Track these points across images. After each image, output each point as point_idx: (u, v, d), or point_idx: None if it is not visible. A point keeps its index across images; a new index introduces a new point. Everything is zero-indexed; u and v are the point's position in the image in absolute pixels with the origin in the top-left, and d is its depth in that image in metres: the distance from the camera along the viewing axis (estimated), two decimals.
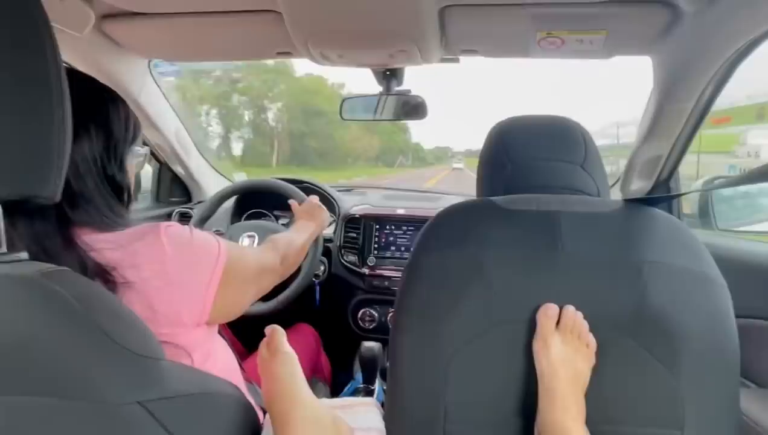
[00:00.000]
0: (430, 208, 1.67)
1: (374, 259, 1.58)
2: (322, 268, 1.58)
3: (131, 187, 0.71)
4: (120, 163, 0.67)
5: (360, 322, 1.63)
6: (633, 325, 0.66)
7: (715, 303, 0.67)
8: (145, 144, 1.50)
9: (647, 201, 0.79)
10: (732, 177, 0.74)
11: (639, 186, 1.29)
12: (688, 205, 1.34)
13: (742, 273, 0.93)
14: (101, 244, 0.58)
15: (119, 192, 0.67)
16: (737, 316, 0.68)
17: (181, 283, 0.60)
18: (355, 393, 1.32)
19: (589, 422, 0.63)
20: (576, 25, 0.88)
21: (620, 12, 0.83)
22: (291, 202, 1.21)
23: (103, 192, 0.64)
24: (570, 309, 0.66)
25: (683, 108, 1.01)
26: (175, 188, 1.80)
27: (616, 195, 1.38)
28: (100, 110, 0.65)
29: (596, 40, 0.91)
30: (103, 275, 0.57)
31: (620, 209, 0.74)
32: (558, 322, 0.66)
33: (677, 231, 0.72)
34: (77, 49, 1.10)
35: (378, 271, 1.58)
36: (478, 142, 0.88)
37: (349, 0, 0.81)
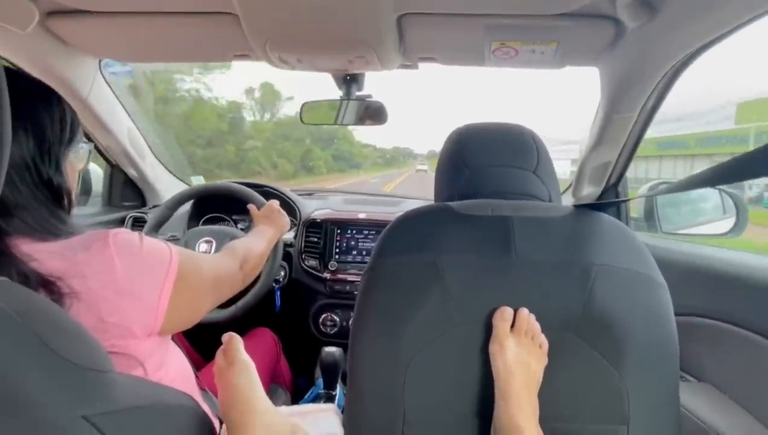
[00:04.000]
0: (391, 212, 1.68)
1: (336, 263, 1.58)
2: (282, 272, 1.56)
3: (72, 190, 0.67)
4: (56, 165, 0.63)
5: (321, 326, 1.62)
6: (582, 325, 0.68)
7: (657, 302, 0.71)
8: (90, 140, 1.45)
9: (596, 206, 0.82)
10: (674, 183, 0.78)
11: (590, 191, 1.35)
12: (635, 208, 1.41)
13: (682, 274, 0.98)
14: (43, 253, 0.55)
15: (58, 196, 0.64)
16: (677, 315, 0.72)
17: (131, 293, 0.58)
18: (316, 399, 1.31)
19: (542, 420, 0.65)
20: (528, 36, 0.91)
21: (569, 25, 0.87)
22: (250, 206, 1.19)
23: (39, 198, 0.61)
24: (524, 312, 0.68)
25: (629, 117, 1.07)
26: (127, 192, 1.74)
27: (568, 200, 1.43)
28: (30, 110, 0.61)
29: (548, 51, 0.95)
30: (48, 286, 0.54)
31: (570, 214, 0.77)
32: (512, 325, 0.68)
33: (622, 235, 0.76)
34: (21, 47, 1.05)
35: (340, 276, 1.58)
36: (440, 144, 0.89)
37: (307, 5, 0.81)
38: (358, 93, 1.27)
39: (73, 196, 0.69)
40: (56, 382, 0.39)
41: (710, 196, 1.30)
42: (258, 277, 1.24)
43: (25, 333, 0.39)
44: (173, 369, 0.68)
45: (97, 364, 0.44)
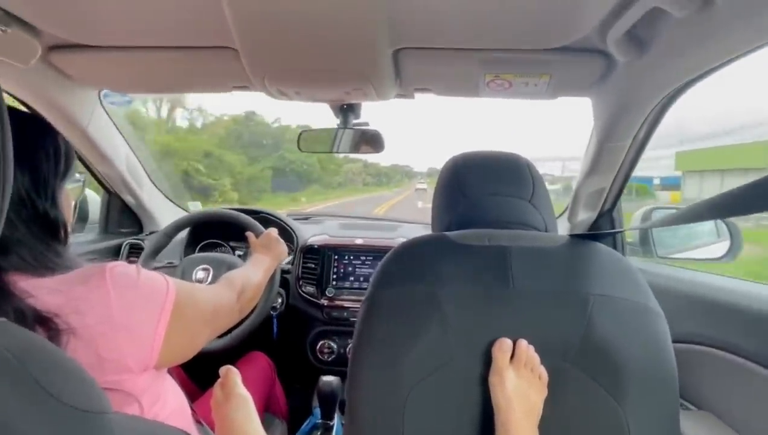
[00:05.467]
0: (389, 237, 1.68)
1: (333, 289, 1.57)
2: (279, 299, 1.56)
3: (68, 221, 0.68)
4: (52, 199, 0.64)
5: (319, 354, 1.61)
6: (580, 356, 0.68)
7: (654, 332, 0.71)
8: (88, 168, 1.45)
9: (592, 236, 0.83)
10: (669, 216, 0.79)
11: (584, 217, 1.36)
12: (630, 233, 1.42)
13: (680, 301, 0.99)
14: (40, 290, 0.55)
15: (55, 229, 0.64)
16: (677, 342, 0.72)
17: (127, 328, 0.57)
18: (313, 429, 1.29)
19: None
20: (521, 69, 0.93)
21: (561, 59, 0.89)
22: (248, 234, 1.19)
23: (36, 233, 0.61)
24: (523, 343, 0.69)
25: (621, 146, 1.09)
26: (124, 218, 1.74)
27: (563, 225, 1.44)
28: (24, 146, 0.61)
29: (540, 83, 0.97)
30: (44, 323, 0.53)
31: (566, 244, 0.78)
32: (512, 356, 0.68)
33: (619, 264, 0.77)
34: (22, 80, 1.06)
35: (337, 302, 1.57)
36: (441, 162, 0.89)
37: (305, 41, 0.83)
38: (355, 121, 1.29)
39: (69, 228, 0.69)
40: (52, 426, 0.38)
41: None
42: (255, 305, 1.23)
43: (23, 376, 0.39)
44: (169, 403, 0.67)
45: (94, 406, 0.43)
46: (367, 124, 1.31)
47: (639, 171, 1.21)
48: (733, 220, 1.25)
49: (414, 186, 46.31)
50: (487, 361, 0.69)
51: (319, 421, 1.28)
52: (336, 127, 1.30)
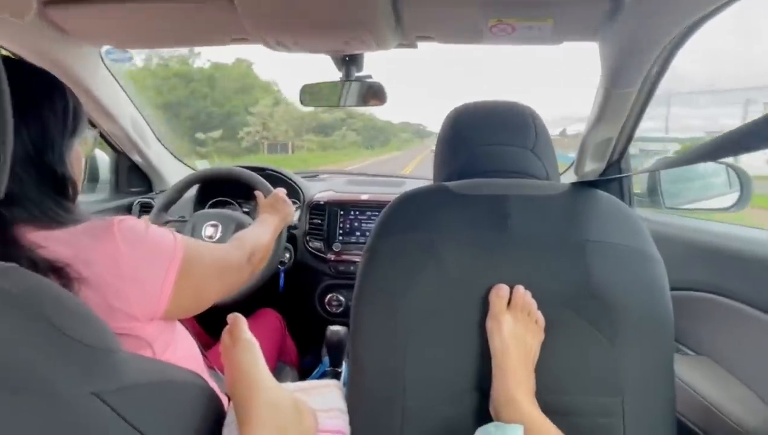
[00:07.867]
0: (394, 192, 1.68)
1: (339, 244, 1.60)
2: (287, 255, 1.59)
3: (77, 179, 0.68)
4: (60, 157, 0.64)
5: (327, 306, 1.65)
6: (577, 301, 0.69)
7: (651, 277, 0.71)
8: (95, 127, 1.46)
9: (594, 183, 0.82)
10: (672, 157, 0.78)
11: (592, 167, 1.34)
12: (639, 185, 1.40)
13: (683, 248, 0.99)
14: (50, 241, 0.57)
15: (63, 187, 0.65)
16: (679, 289, 0.72)
17: (135, 279, 0.59)
18: (323, 376, 1.35)
19: (538, 394, 0.67)
20: (524, 12, 0.90)
21: (564, 0, 0.86)
22: (257, 193, 1.21)
23: (43, 188, 0.62)
24: (520, 288, 0.70)
25: (629, 92, 1.05)
26: (134, 178, 1.76)
27: (570, 177, 1.43)
28: (31, 103, 0.62)
29: (545, 27, 0.93)
30: (57, 272, 0.55)
31: (566, 192, 0.78)
32: (509, 302, 0.69)
33: (618, 210, 0.76)
34: (21, 37, 1.06)
35: (344, 257, 1.60)
36: None
37: None
38: (357, 73, 1.27)
39: (79, 185, 0.70)
40: (65, 361, 0.41)
41: (715, 170, 1.29)
42: None
43: (34, 314, 0.41)
44: (181, 349, 0.70)
45: (105, 344, 0.46)
46: (370, 76, 1.29)
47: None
48: (744, 169, 1.22)
49: (428, 147, 36.90)
50: (485, 306, 0.70)
51: (329, 368, 1.33)
52: (339, 79, 1.28)
